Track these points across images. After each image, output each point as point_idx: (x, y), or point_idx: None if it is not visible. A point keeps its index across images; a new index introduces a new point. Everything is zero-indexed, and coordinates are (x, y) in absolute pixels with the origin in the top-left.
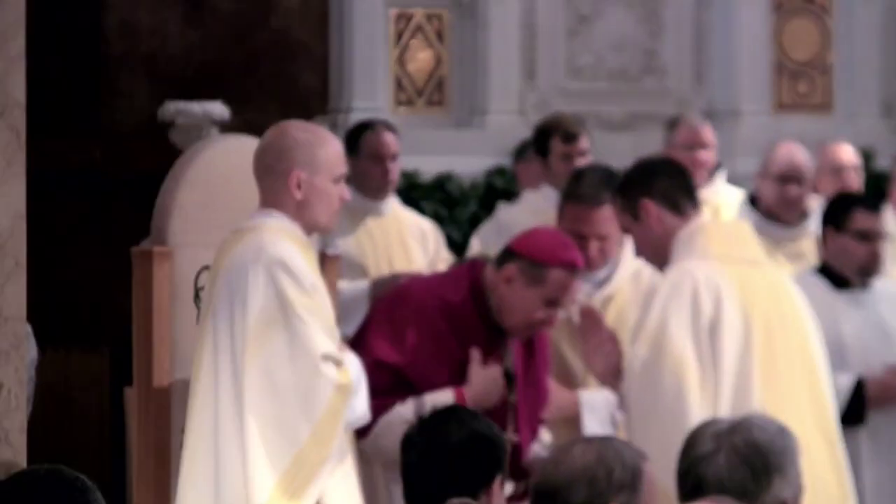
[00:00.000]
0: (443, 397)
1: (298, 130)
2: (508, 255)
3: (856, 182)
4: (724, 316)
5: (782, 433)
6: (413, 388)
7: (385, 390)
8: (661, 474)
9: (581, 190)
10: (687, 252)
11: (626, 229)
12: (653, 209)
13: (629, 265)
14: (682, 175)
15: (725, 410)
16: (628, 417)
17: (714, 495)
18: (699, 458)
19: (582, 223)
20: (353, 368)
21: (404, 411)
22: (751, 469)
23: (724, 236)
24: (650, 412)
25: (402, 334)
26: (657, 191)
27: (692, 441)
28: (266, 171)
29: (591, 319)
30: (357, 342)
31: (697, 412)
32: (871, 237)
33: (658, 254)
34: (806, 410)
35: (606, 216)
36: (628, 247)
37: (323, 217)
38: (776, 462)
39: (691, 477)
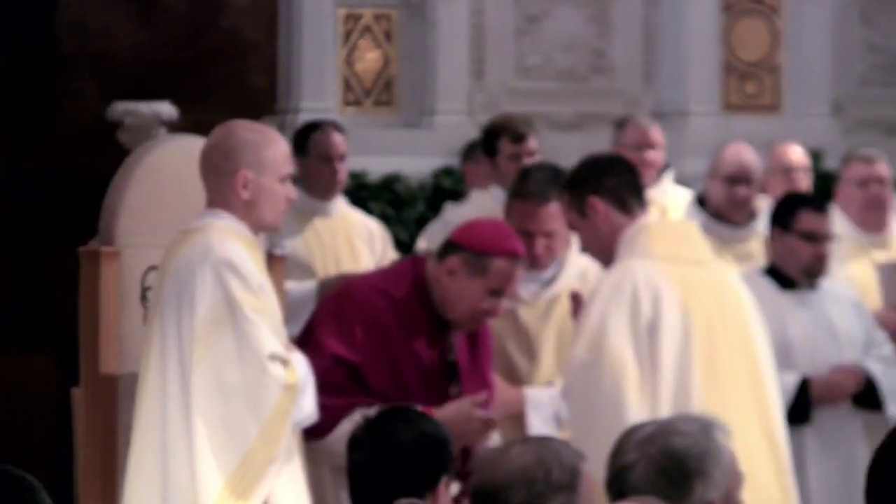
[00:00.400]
0: None
1: (245, 130)
2: (450, 247)
3: (805, 183)
4: (663, 316)
5: (705, 433)
6: (367, 385)
7: (343, 387)
8: (600, 476)
9: (528, 187)
10: (630, 251)
11: (572, 226)
12: (600, 207)
13: (576, 264)
14: (631, 173)
15: (666, 412)
16: (569, 417)
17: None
18: (622, 469)
19: (529, 220)
20: (301, 368)
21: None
22: (668, 479)
23: (668, 236)
24: (589, 413)
25: (350, 331)
26: (605, 188)
27: (618, 450)
28: (213, 170)
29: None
30: (305, 341)
31: (636, 414)
32: (817, 238)
33: (604, 252)
34: (749, 411)
35: (553, 213)
36: (575, 246)
37: (270, 216)
38: (695, 467)
39: (616, 486)
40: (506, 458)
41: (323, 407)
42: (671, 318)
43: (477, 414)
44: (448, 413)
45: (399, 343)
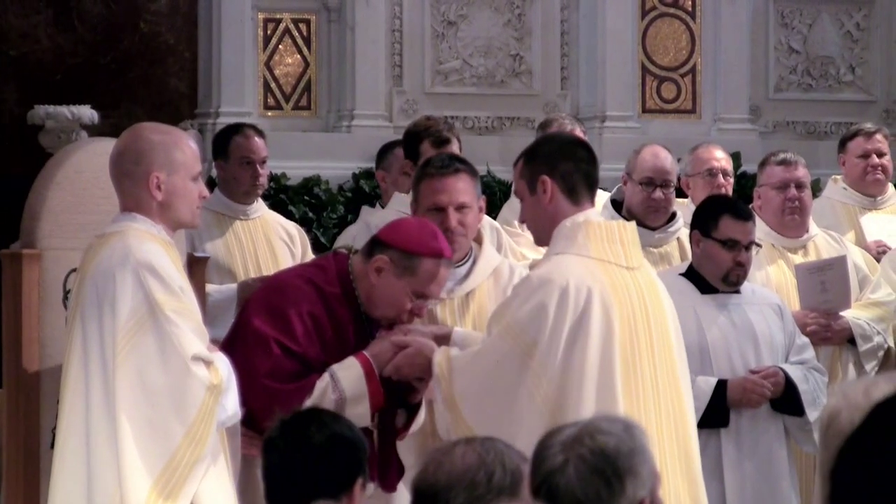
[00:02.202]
0: (347, 364)
1: (153, 132)
2: (378, 245)
3: (727, 186)
4: (591, 319)
5: (629, 432)
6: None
7: (299, 373)
8: None
9: (432, 164)
10: (566, 245)
11: (519, 195)
12: (549, 188)
13: (489, 261)
14: (589, 163)
15: (589, 415)
16: (463, 389)
17: None
18: (550, 472)
19: (437, 193)
20: (223, 368)
21: (322, 386)
22: (602, 478)
23: (606, 237)
24: (487, 393)
25: (288, 323)
26: (559, 172)
27: (541, 453)
28: (125, 175)
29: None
30: (240, 338)
31: (526, 407)
32: (737, 246)
33: (540, 230)
34: (666, 417)
35: (461, 186)
36: (488, 244)
37: (186, 215)
38: (626, 465)
39: (544, 490)
40: (448, 458)
41: (285, 392)
42: (597, 322)
43: (399, 339)
44: (375, 348)
45: (331, 333)
